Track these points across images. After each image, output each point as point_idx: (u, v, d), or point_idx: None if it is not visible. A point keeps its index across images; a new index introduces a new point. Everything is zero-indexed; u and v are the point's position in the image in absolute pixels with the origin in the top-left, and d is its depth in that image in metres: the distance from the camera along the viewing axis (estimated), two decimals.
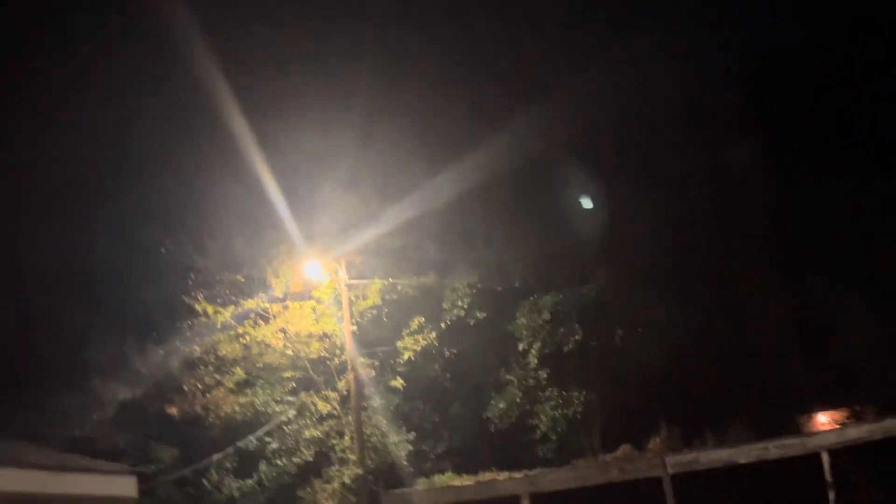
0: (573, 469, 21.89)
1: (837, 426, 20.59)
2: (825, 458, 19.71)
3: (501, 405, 24.53)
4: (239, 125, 20.80)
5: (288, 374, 24.19)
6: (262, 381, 24.29)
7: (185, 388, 23.51)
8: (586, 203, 24.29)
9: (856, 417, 20.65)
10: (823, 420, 21.40)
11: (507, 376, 24.80)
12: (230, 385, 23.64)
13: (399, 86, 23.54)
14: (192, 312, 23.01)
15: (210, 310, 22.88)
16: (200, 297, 22.97)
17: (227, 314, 22.96)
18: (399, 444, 23.84)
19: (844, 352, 22.31)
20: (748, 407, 21.32)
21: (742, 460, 20.25)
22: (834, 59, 23.94)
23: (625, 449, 21.91)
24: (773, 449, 20.07)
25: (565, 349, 23.77)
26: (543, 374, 24.15)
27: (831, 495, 19.52)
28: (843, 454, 19.93)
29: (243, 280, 23.53)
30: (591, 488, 21.21)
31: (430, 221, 23.51)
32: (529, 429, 24.28)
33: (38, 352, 23.35)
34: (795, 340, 22.81)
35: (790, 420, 21.36)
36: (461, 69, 23.86)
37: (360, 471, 22.22)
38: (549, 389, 24.07)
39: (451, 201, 22.70)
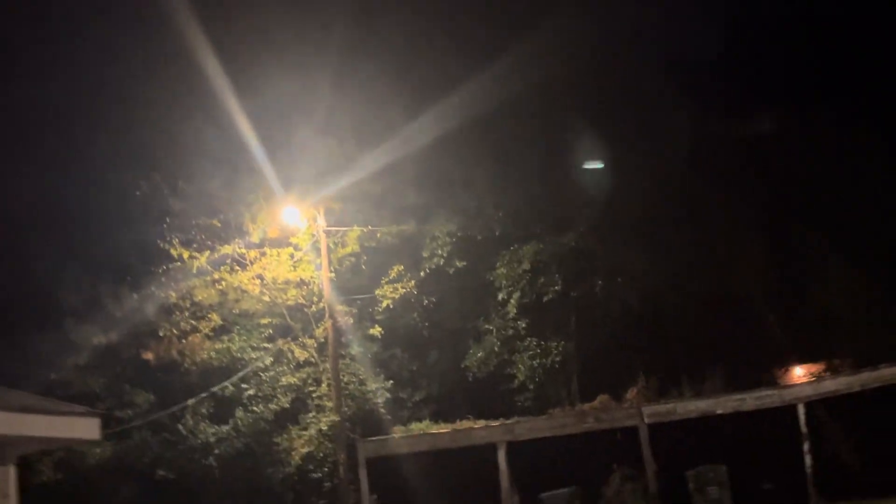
0: (550, 418, 21.96)
1: (814, 379, 20.63)
2: (801, 409, 19.83)
3: (480, 354, 24.48)
4: (212, 65, 20.27)
5: (265, 320, 23.96)
6: (238, 327, 24.05)
7: (161, 333, 23.23)
8: (567, 151, 23.92)
9: (832, 370, 20.68)
10: (800, 373, 21.42)
11: (486, 325, 24.70)
12: (206, 331, 23.40)
13: (377, 24, 22.97)
14: (168, 257, 22.63)
15: (185, 254, 22.52)
16: (176, 241, 22.59)
17: (202, 259, 22.60)
18: (376, 391, 23.79)
19: (823, 305, 22.28)
20: (725, 358, 21.31)
21: (719, 411, 20.37)
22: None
23: (602, 399, 21.94)
24: (750, 400, 20.20)
25: (545, 299, 23.64)
26: (522, 324, 24.06)
27: (806, 446, 19.67)
28: (819, 406, 20.04)
29: (219, 225, 23.13)
30: (567, 437, 21.32)
31: (410, 166, 23.09)
32: (507, 378, 24.25)
33: (9, 293, 22.96)
34: (775, 292, 22.76)
35: (767, 372, 21.36)
36: (441, 8, 23.26)
37: (336, 418, 22.14)
38: (528, 339, 24.00)
39: (430, 145, 22.26)
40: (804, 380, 20.84)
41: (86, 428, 10.90)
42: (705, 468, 19.50)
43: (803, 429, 19.76)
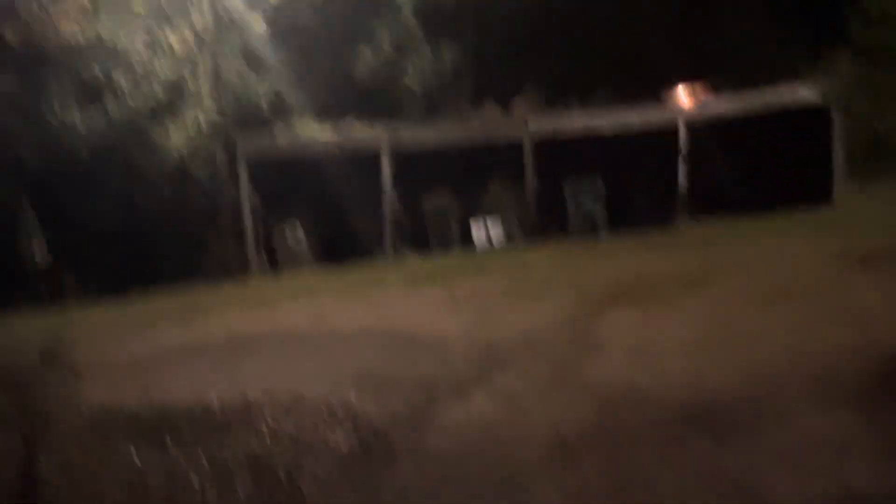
0: (436, 127, 21.71)
1: (698, 100, 20.79)
2: (682, 129, 20.16)
3: (370, 59, 23.50)
4: None
5: (138, 5, 22.09)
6: (108, 8, 22.11)
7: (21, 11, 21.18)
8: None
9: (717, 93, 20.81)
10: (685, 93, 21.40)
11: (379, 29, 23.52)
12: (72, 12, 21.45)
13: None
14: None
15: None
16: None
17: None
18: (259, 90, 22.78)
19: (719, 31, 22.06)
20: (613, 76, 21.16)
21: (603, 127, 20.48)
22: None
23: (489, 109, 21.72)
24: (634, 117, 20.31)
25: (442, 3, 22.55)
26: (417, 30, 23.05)
27: (683, 165, 20.21)
28: (700, 127, 20.41)
29: None
30: (452, 146, 21.20)
31: None
32: (397, 85, 23.55)
33: None
34: (672, 14, 22.28)
35: (655, 92, 21.29)
36: None
37: (216, 115, 21.28)
38: (422, 45, 23.11)
39: None
40: (688, 100, 20.96)
41: None
42: (582, 180, 19.89)
43: (682, 148, 20.19)
